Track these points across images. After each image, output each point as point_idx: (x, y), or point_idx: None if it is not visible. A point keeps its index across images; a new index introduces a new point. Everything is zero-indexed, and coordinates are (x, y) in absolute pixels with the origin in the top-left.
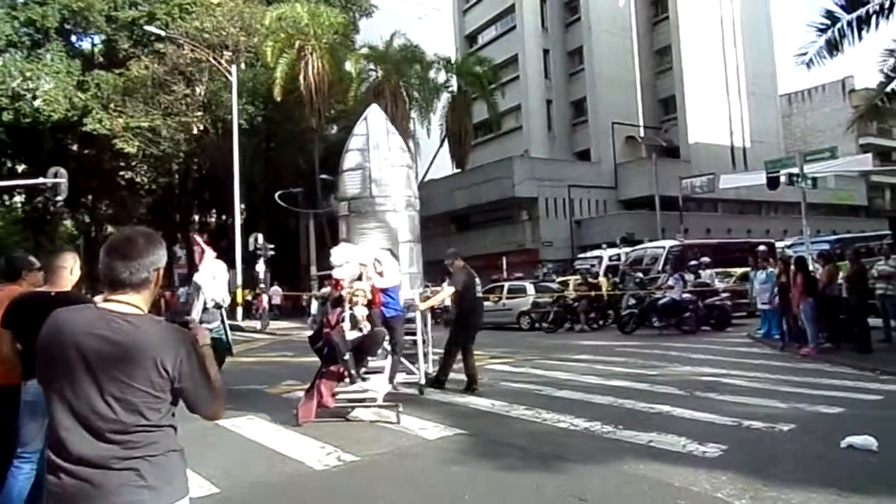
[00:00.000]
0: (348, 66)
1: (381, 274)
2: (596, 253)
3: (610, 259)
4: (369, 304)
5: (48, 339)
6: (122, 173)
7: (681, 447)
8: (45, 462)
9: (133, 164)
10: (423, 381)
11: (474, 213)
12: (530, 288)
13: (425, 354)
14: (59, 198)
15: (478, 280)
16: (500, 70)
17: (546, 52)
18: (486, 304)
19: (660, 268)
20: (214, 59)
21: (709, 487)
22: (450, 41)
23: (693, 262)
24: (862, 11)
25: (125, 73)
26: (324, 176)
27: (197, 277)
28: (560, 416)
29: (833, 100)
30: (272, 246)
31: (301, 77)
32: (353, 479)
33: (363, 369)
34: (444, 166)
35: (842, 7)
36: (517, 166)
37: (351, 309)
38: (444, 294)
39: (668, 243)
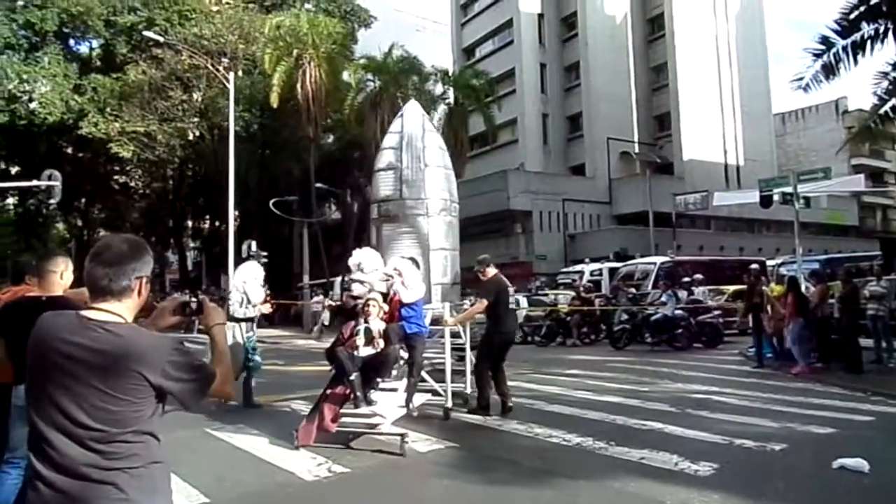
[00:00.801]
0: (346, 76)
1: (403, 285)
2: (578, 268)
3: (591, 274)
4: (389, 319)
5: (31, 345)
6: (116, 177)
7: (673, 465)
8: (29, 470)
9: (128, 168)
10: (449, 405)
11: (468, 224)
12: (523, 301)
13: (461, 374)
14: (52, 201)
15: (511, 289)
16: (496, 83)
17: (543, 66)
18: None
19: (650, 284)
20: (212, 65)
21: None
22: (447, 54)
23: (686, 280)
24: (857, 36)
25: (122, 77)
26: (319, 185)
27: (234, 279)
28: (552, 431)
29: (826, 120)
30: (265, 253)
31: (298, 86)
32: (342, 490)
33: (373, 391)
34: None
35: (837, 33)
36: (512, 179)
37: (366, 322)
38: (476, 309)
39: (658, 259)
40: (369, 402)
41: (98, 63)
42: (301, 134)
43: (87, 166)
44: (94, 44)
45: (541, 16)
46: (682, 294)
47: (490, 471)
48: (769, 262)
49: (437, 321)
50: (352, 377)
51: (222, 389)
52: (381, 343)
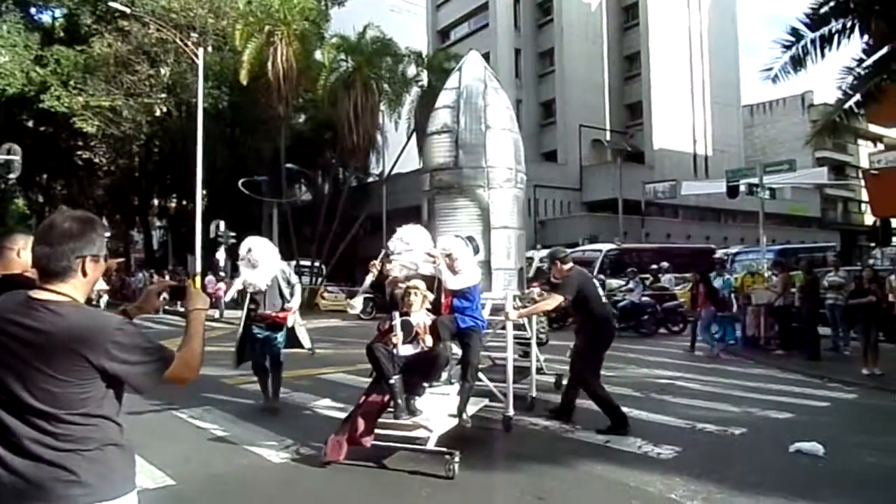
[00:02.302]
0: (318, 55)
1: (452, 270)
2: (529, 254)
3: (540, 261)
4: (435, 310)
5: None
6: (79, 153)
7: (636, 448)
8: None
9: (92, 144)
10: (510, 413)
11: None
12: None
13: (524, 374)
14: (11, 175)
15: (596, 282)
16: None
17: (518, 51)
18: None
19: (595, 270)
20: (181, 40)
21: (662, 488)
22: (422, 35)
23: (654, 267)
24: (825, 30)
25: (87, 49)
26: (289, 165)
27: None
28: (520, 416)
29: (793, 113)
30: (234, 234)
31: (269, 63)
32: (311, 472)
33: (418, 399)
34: (411, 161)
35: (806, 25)
36: None
37: (405, 314)
38: (547, 304)
39: (604, 247)
40: (412, 412)
41: (61, 34)
42: (272, 113)
43: (49, 141)
44: (58, 13)
45: (516, 0)
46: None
47: (458, 449)
48: (726, 251)
49: (497, 310)
50: (391, 380)
51: (180, 374)
52: (428, 340)
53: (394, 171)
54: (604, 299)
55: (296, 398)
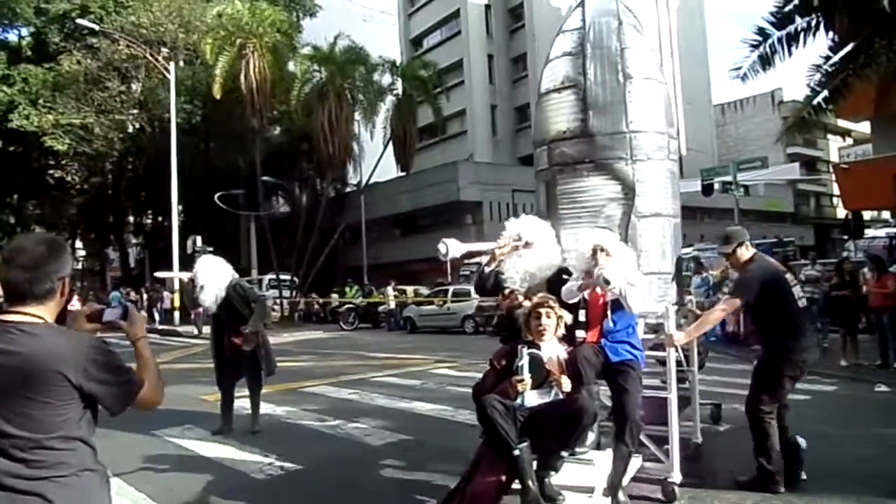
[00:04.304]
0: (291, 66)
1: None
2: (478, 259)
3: None
4: (569, 338)
5: None
6: (51, 172)
7: None
8: None
9: (63, 162)
10: (676, 476)
11: (419, 216)
12: (475, 292)
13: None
14: None
15: (791, 279)
16: (445, 74)
17: (491, 57)
18: (429, 308)
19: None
20: (151, 55)
21: (649, 487)
22: (395, 44)
23: None
24: (791, 29)
25: (55, 67)
26: (266, 178)
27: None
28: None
29: (763, 110)
30: (211, 249)
31: (242, 76)
32: (296, 488)
33: (554, 475)
34: (388, 169)
35: (772, 24)
36: (462, 170)
37: (533, 345)
38: (722, 312)
39: None
40: (551, 499)
41: (28, 53)
42: (246, 126)
43: (19, 160)
44: (24, 32)
45: (488, 6)
46: None
47: (444, 462)
48: (688, 250)
49: (654, 331)
50: (515, 452)
51: (152, 398)
52: (565, 383)
53: (371, 181)
54: (801, 301)
55: (280, 413)
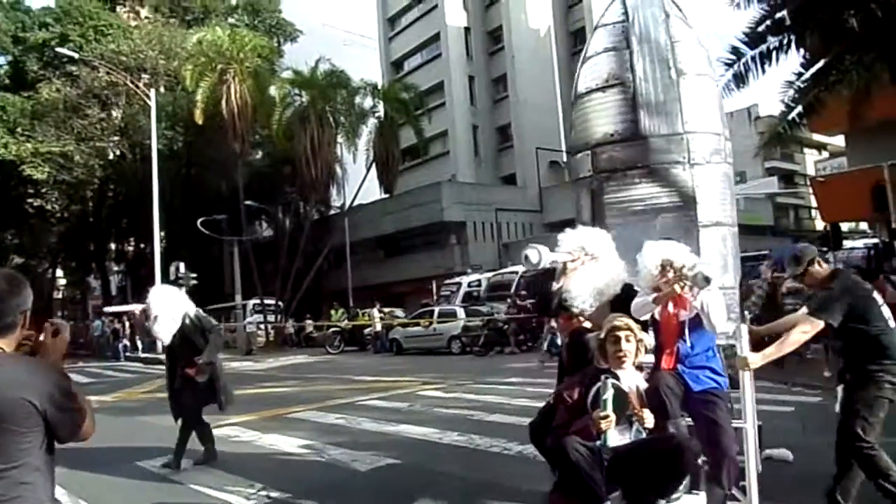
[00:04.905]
0: (272, 90)
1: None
2: (456, 280)
3: (469, 285)
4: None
5: None
6: (30, 200)
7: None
8: None
9: (43, 191)
10: None
11: (403, 237)
12: (460, 312)
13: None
14: None
15: (879, 298)
16: (426, 96)
17: (471, 78)
18: (415, 329)
19: (512, 291)
20: (132, 82)
21: None
22: (376, 67)
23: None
24: (763, 48)
25: (34, 95)
26: (248, 202)
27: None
28: (493, 441)
29: (741, 126)
30: (195, 275)
31: (223, 101)
32: None
33: None
34: (371, 191)
35: (746, 44)
36: (445, 191)
37: (609, 373)
38: (803, 334)
39: (521, 268)
40: None
41: (6, 81)
42: (228, 151)
43: None
44: (1, 60)
45: (467, 29)
46: None
47: (433, 485)
48: None
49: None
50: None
51: (90, 428)
52: (647, 417)
53: (355, 203)
54: (891, 322)
55: (265, 440)
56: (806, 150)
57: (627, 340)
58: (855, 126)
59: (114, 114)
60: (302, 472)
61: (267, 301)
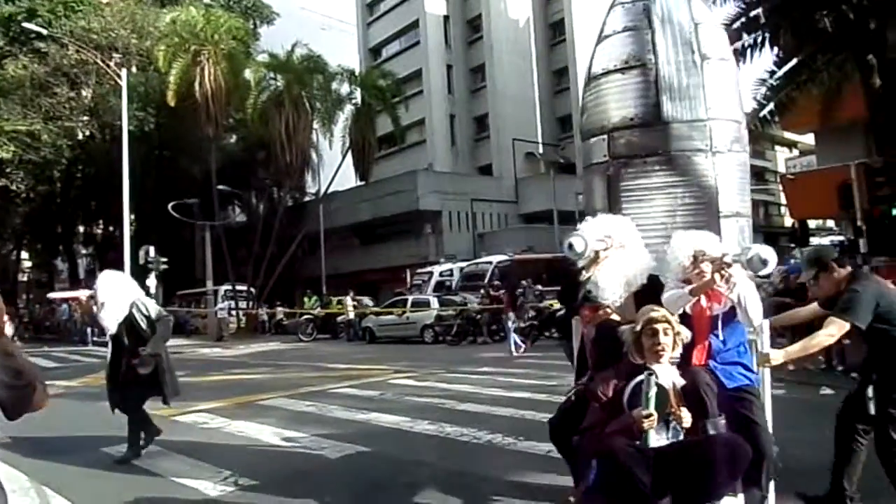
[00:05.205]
0: (248, 73)
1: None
2: (427, 269)
3: (441, 275)
4: (684, 361)
5: None
6: None
7: None
8: None
9: (8, 170)
10: None
11: (378, 225)
12: (434, 301)
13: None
14: None
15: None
16: (403, 84)
17: (449, 67)
18: (389, 317)
19: (485, 281)
20: (102, 61)
21: None
22: (353, 53)
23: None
24: (738, 45)
25: (0, 72)
26: (221, 186)
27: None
28: (463, 430)
29: None
30: (165, 259)
31: (197, 83)
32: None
33: None
34: (347, 178)
35: None
36: (421, 180)
37: (649, 369)
38: (830, 337)
39: (496, 258)
40: None
41: None
42: (201, 134)
43: None
44: None
45: (446, 17)
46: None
47: (402, 474)
48: None
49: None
50: None
51: (41, 399)
52: (685, 417)
53: (330, 190)
54: None
55: (233, 427)
56: (777, 147)
57: (665, 334)
58: (825, 125)
59: (83, 93)
60: (271, 460)
61: (239, 287)
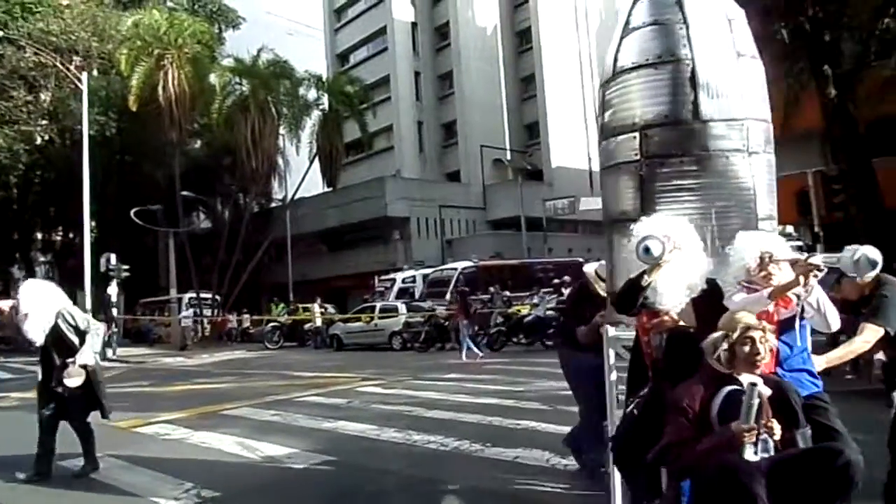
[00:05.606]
0: (213, 78)
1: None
2: (391, 276)
3: (403, 282)
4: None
5: None
6: None
7: (545, 461)
8: None
9: None
10: None
11: (346, 232)
12: (402, 308)
13: None
14: None
15: None
16: (371, 90)
17: (417, 74)
18: (356, 325)
19: (451, 288)
20: (62, 64)
21: (575, 499)
22: (321, 59)
23: (557, 281)
24: None
25: None
26: (185, 192)
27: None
28: (430, 437)
29: None
30: (126, 267)
31: (160, 88)
32: None
33: None
34: (314, 184)
35: None
36: (389, 186)
37: (752, 380)
38: (865, 343)
39: (460, 265)
40: None
41: None
42: (165, 139)
43: None
44: None
45: (414, 24)
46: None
47: (369, 483)
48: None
49: None
50: None
51: None
52: (777, 429)
53: (297, 196)
54: None
55: (196, 437)
56: None
57: (761, 342)
58: (784, 134)
59: (42, 96)
60: (234, 471)
61: (203, 295)
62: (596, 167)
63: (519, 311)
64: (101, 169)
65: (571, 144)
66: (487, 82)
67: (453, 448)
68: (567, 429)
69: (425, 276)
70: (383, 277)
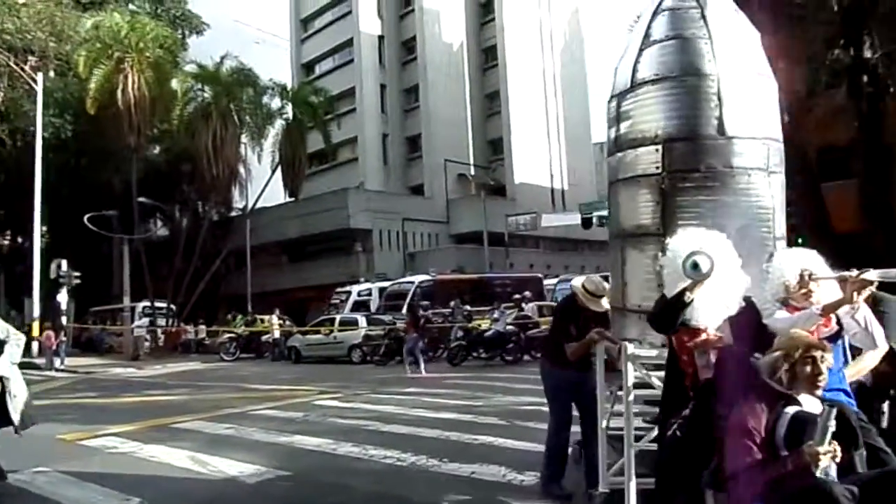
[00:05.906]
0: (174, 83)
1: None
2: (346, 288)
3: (359, 294)
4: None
5: None
6: None
7: (501, 477)
8: None
9: None
10: None
11: (308, 243)
12: (362, 320)
13: None
14: None
15: None
16: (336, 101)
17: (383, 87)
18: (316, 337)
19: (407, 301)
20: (17, 63)
21: None
22: (286, 68)
23: (517, 296)
24: None
25: None
26: (142, 199)
27: None
28: (387, 452)
29: None
30: (78, 273)
31: (119, 91)
32: None
33: None
34: (276, 194)
35: None
36: (352, 198)
37: (793, 400)
38: (870, 362)
39: (417, 278)
40: None
41: None
42: (122, 143)
43: None
44: None
45: (381, 38)
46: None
47: (323, 498)
48: (548, 281)
49: None
50: None
51: None
52: (839, 450)
53: (258, 205)
54: None
55: (145, 451)
56: None
57: (822, 361)
58: None
59: None
60: (184, 485)
61: (158, 304)
62: (558, 185)
63: (479, 325)
64: (56, 172)
65: (534, 161)
66: (452, 97)
67: (410, 463)
68: (526, 444)
69: (382, 290)
70: (339, 290)
